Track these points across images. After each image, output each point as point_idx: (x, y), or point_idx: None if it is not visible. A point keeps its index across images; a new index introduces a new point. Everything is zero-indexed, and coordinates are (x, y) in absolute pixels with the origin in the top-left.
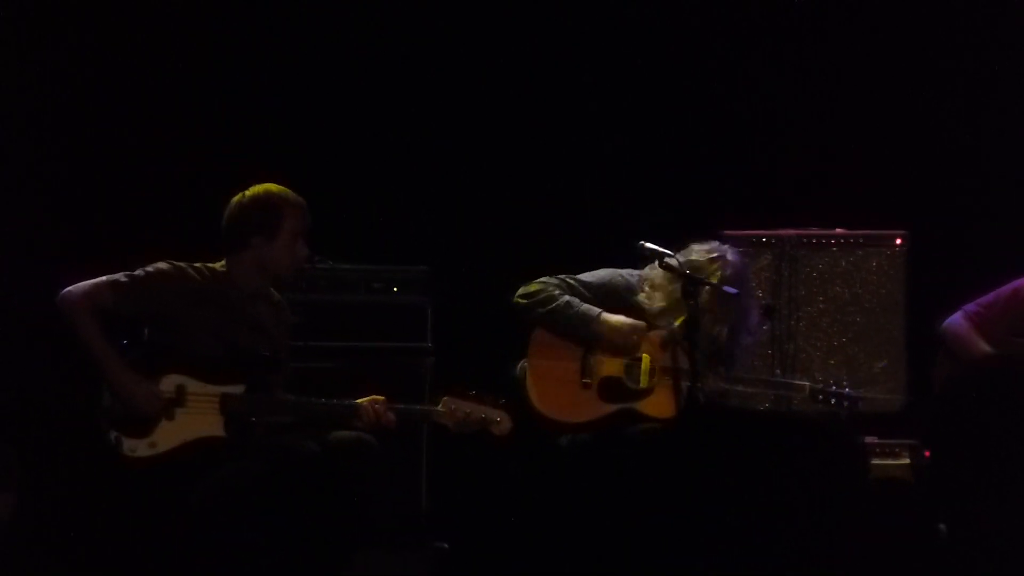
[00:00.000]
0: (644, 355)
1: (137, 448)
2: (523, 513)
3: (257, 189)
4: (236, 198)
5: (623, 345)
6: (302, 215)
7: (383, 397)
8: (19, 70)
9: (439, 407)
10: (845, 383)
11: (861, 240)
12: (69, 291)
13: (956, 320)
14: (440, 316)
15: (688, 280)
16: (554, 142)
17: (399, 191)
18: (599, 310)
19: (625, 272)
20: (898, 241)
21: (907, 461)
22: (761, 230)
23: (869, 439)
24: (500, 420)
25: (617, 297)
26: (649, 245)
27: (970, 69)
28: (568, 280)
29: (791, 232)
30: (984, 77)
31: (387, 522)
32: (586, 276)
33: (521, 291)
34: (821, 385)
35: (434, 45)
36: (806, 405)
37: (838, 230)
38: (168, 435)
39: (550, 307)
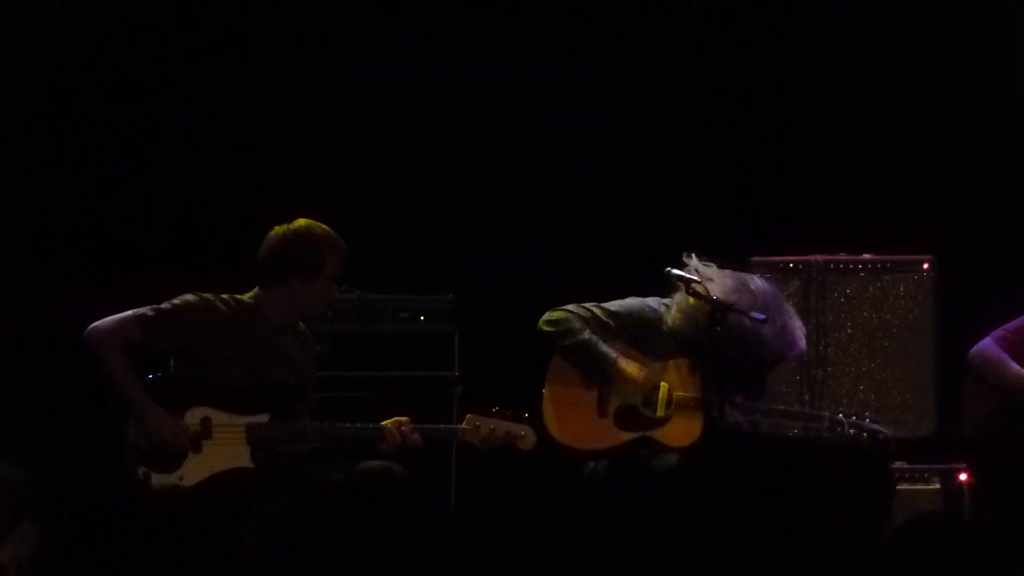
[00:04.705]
0: (662, 384)
1: (165, 482)
2: (552, 540)
3: (300, 224)
4: (278, 231)
5: (634, 393)
6: (342, 259)
7: (407, 418)
8: (40, 94)
9: (463, 425)
10: (867, 415)
11: (889, 265)
12: (96, 327)
13: (985, 345)
14: (467, 344)
15: (715, 307)
16: (581, 169)
17: (425, 220)
18: (616, 355)
19: (653, 301)
20: (925, 266)
21: (937, 487)
22: (789, 256)
23: (898, 464)
24: (525, 434)
25: (645, 329)
26: (676, 272)
27: (998, 94)
28: (595, 310)
29: (819, 258)
30: (1012, 102)
31: (416, 550)
32: (614, 305)
33: (546, 318)
34: (842, 416)
35: (461, 75)
36: (833, 433)
37: (866, 255)
38: (196, 468)
39: (570, 341)
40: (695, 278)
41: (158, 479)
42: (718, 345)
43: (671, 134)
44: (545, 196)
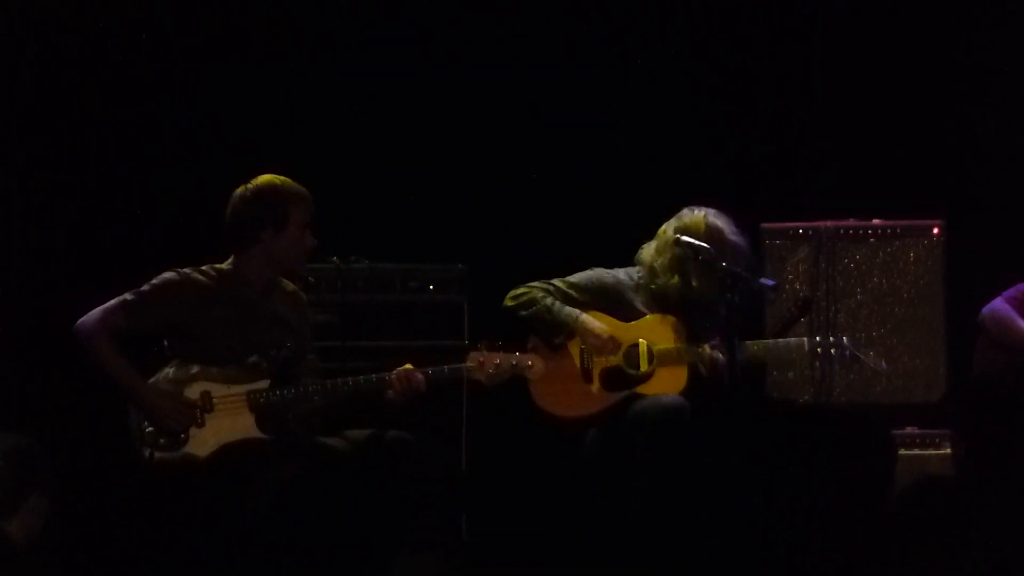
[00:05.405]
0: (640, 341)
1: (174, 461)
2: (562, 508)
3: (259, 181)
4: (238, 191)
5: (598, 348)
6: (307, 204)
7: (409, 364)
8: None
9: (467, 363)
10: (842, 335)
11: (898, 231)
12: (82, 322)
13: (996, 304)
14: (477, 314)
15: (726, 274)
16: (589, 137)
17: (435, 189)
18: (579, 313)
19: (614, 271)
20: (935, 231)
21: (948, 451)
22: (798, 222)
23: (909, 430)
24: (532, 363)
25: (608, 296)
26: (686, 239)
27: (1006, 58)
28: (558, 284)
29: (828, 224)
30: (1021, 67)
31: (426, 521)
32: (575, 277)
33: (510, 294)
34: (819, 339)
35: (470, 46)
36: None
37: (875, 221)
38: (202, 443)
39: (532, 310)
40: (705, 245)
41: (165, 458)
42: (732, 311)
43: (680, 101)
44: (556, 164)
